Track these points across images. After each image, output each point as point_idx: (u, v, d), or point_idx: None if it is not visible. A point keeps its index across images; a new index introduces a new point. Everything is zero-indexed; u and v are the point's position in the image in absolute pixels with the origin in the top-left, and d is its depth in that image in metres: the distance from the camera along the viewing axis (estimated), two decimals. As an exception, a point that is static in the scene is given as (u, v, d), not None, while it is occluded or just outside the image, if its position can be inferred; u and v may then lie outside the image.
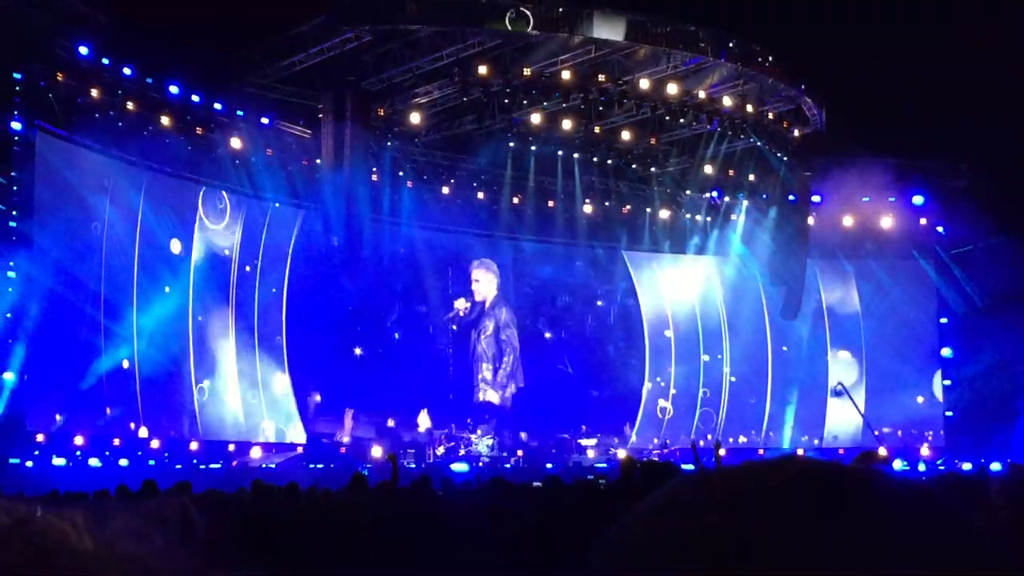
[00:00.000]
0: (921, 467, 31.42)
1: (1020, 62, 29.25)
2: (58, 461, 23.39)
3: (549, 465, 29.87)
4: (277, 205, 30.75)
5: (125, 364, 26.26)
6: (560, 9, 26.58)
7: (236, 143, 28.92)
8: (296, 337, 31.48)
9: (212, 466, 26.77)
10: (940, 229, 36.10)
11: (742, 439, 36.25)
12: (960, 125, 31.03)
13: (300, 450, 29.73)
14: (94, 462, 24.21)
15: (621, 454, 31.00)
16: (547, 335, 37.64)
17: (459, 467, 28.42)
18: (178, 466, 25.57)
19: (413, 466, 28.63)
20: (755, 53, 29.25)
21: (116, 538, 0.89)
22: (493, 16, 26.09)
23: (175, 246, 28.33)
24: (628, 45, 27.65)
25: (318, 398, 32.11)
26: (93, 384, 25.22)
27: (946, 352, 35.91)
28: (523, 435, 33.80)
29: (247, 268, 30.47)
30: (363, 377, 32.64)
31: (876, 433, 33.25)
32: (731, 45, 28.77)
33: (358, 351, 33.68)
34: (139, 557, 0.88)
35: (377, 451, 28.69)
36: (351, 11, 26.24)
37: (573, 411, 35.80)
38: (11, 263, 22.86)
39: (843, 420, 36.05)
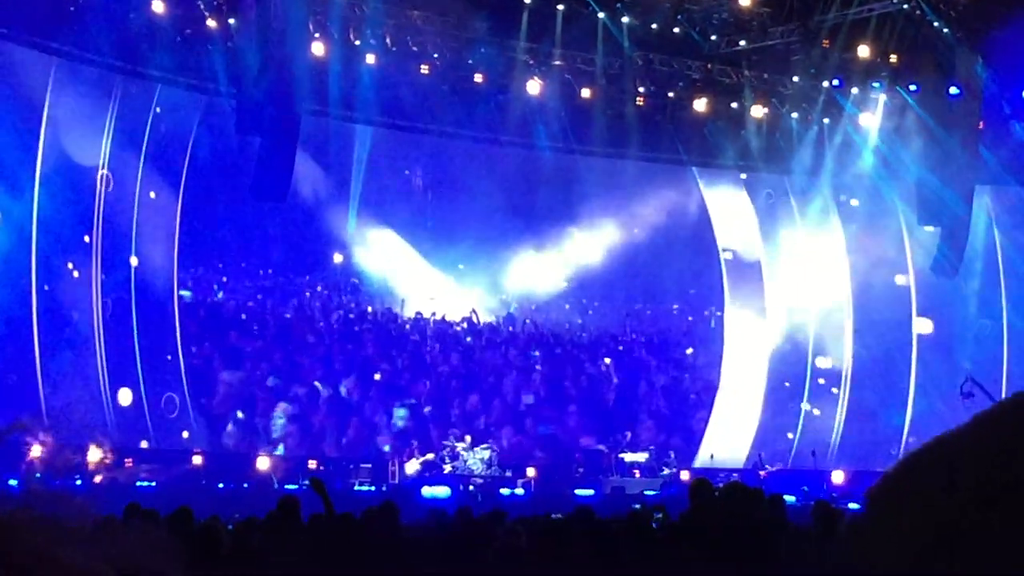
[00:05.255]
0: None
1: None
2: None
3: (580, 491, 29.87)
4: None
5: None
6: None
7: (105, -11, 28.53)
8: (196, 296, 31.62)
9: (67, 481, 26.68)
10: None
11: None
12: None
13: (198, 461, 29.65)
14: None
15: (686, 476, 30.99)
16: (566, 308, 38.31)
17: (436, 491, 28.38)
18: (12, 481, 25.52)
19: (369, 488, 28.66)
20: None
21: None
22: None
23: (12, 142, 28.16)
24: None
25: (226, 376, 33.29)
26: None
27: None
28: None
29: (113, 183, 30.37)
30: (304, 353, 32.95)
31: None
32: None
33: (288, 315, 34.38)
34: None
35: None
36: None
37: (615, 409, 36.08)
38: None
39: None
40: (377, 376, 35.27)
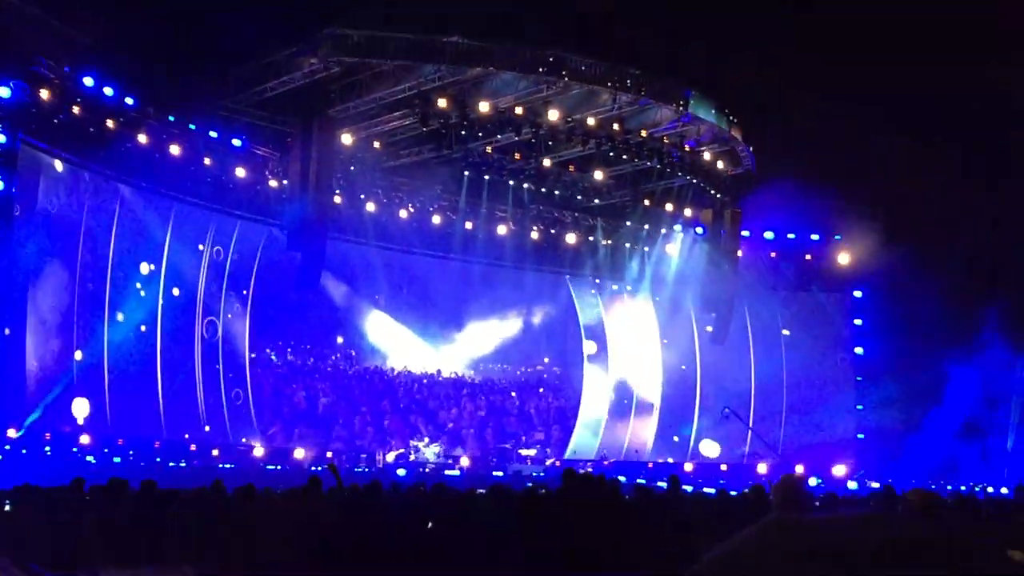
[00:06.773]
0: (852, 484, 31.78)
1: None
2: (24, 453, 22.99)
3: (497, 473, 29.71)
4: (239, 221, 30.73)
5: (96, 364, 25.96)
6: (517, 53, 26.72)
7: (208, 162, 28.68)
8: (262, 350, 31.81)
9: (178, 464, 26.38)
10: (853, 265, 36.39)
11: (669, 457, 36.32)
12: (880, 167, 31.23)
13: (259, 453, 29.25)
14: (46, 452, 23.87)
15: (558, 464, 31.06)
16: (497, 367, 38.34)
17: (402, 472, 28.17)
18: (142, 463, 25.18)
19: (365, 470, 28.39)
20: (693, 97, 29.42)
21: None
22: (452, 54, 26.15)
23: (145, 260, 28.15)
24: (578, 85, 27.72)
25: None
26: (64, 385, 24.92)
27: (859, 379, 36.24)
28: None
29: (214, 279, 30.28)
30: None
31: (767, 452, 33.72)
32: (671, 90, 28.97)
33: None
34: None
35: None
36: (319, 43, 26.12)
37: (517, 422, 36.12)
38: (-10, 267, 22.48)
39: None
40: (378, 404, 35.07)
